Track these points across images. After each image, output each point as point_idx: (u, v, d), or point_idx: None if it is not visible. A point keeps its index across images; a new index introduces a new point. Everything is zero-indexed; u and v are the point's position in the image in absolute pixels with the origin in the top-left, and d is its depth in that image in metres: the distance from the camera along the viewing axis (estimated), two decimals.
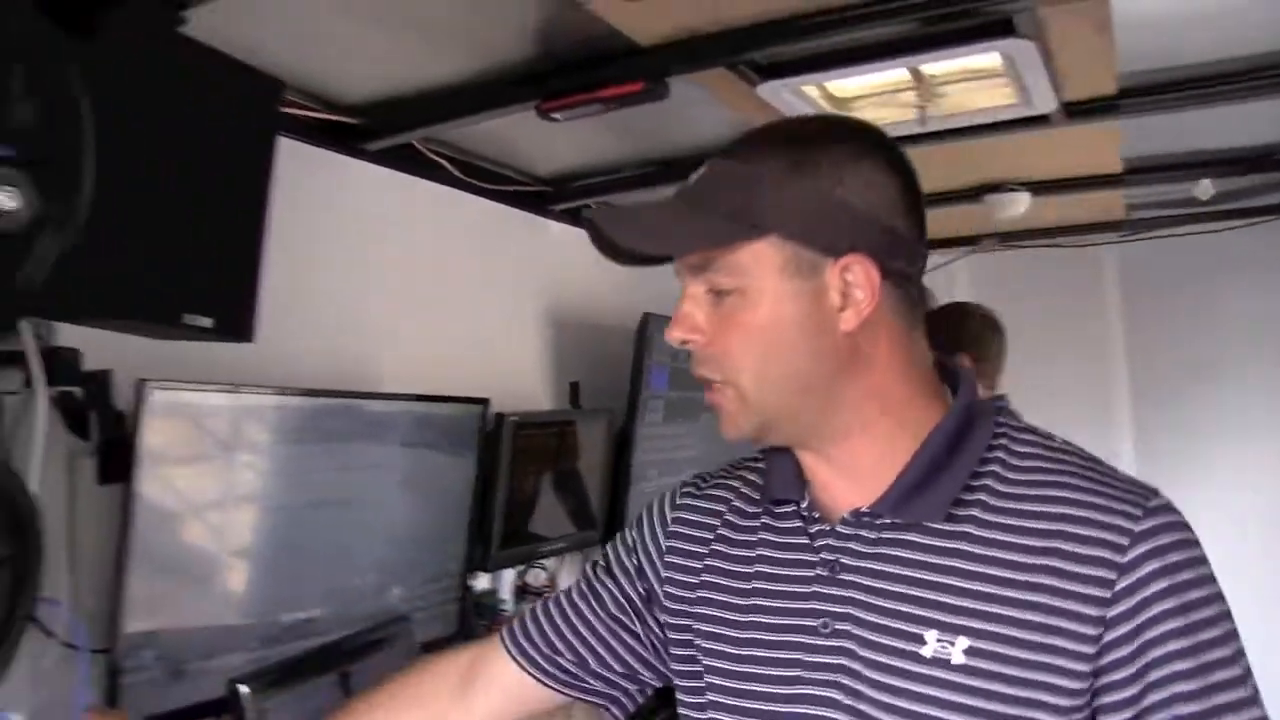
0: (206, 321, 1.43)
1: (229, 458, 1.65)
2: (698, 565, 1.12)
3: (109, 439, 1.59)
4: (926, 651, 0.94)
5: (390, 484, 2.01)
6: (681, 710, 1.13)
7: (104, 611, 1.54)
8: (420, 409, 2.07)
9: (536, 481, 2.46)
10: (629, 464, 2.76)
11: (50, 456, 1.56)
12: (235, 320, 1.47)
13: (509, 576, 2.57)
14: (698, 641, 1.09)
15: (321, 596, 1.85)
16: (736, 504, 1.12)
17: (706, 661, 1.08)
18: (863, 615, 0.97)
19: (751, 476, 1.14)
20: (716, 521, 1.13)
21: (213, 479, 1.64)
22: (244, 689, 1.51)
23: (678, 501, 1.17)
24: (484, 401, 2.24)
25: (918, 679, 0.93)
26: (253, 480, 1.70)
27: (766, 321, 0.97)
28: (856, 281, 0.97)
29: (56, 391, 1.56)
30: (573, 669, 1.19)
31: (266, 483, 1.73)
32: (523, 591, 2.61)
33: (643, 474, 2.80)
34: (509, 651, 1.22)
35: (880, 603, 0.97)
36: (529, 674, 1.20)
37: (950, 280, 3.90)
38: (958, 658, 0.92)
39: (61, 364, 1.51)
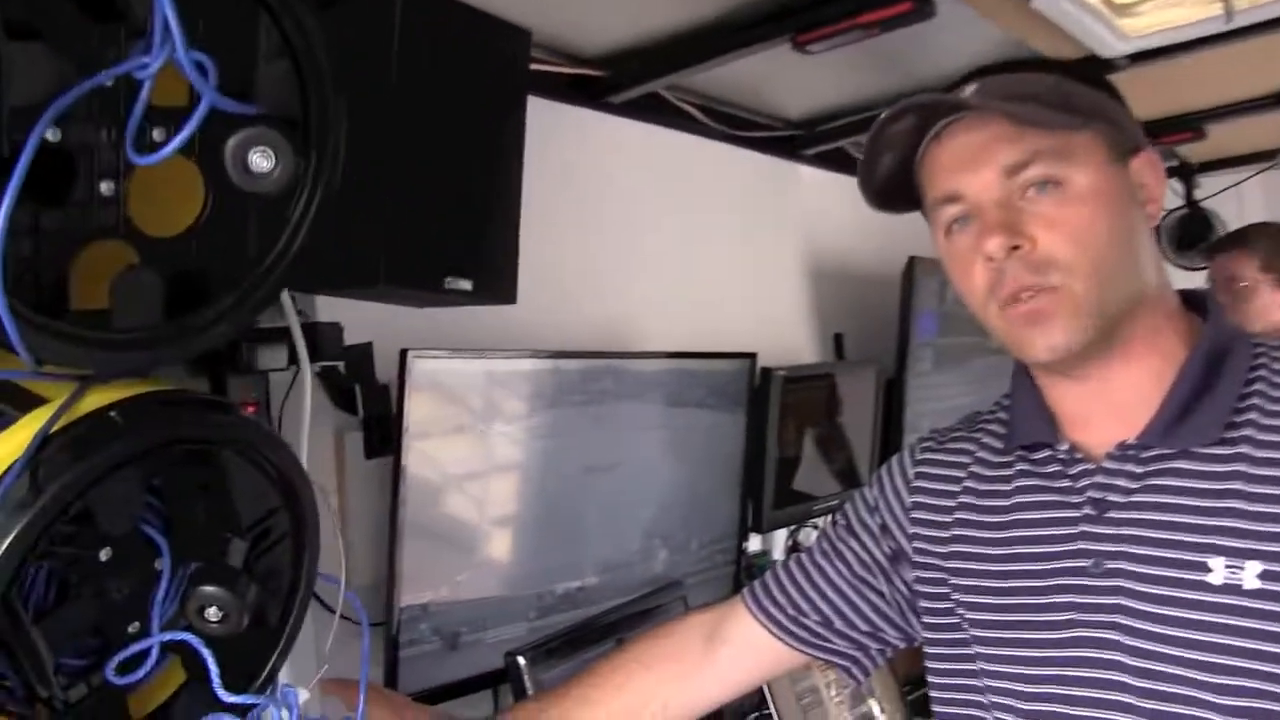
0: (467, 285, 1.33)
1: (494, 426, 1.56)
2: (946, 519, 1.09)
3: (374, 412, 1.52)
4: (1214, 579, 0.89)
5: (658, 445, 1.89)
6: (937, 667, 1.09)
7: (378, 586, 1.47)
8: (686, 366, 1.93)
9: (803, 438, 2.29)
10: (900, 415, 2.55)
11: (318, 433, 1.51)
12: (496, 282, 1.37)
13: (780, 538, 2.42)
14: (955, 595, 1.06)
15: (593, 564, 1.75)
16: (981, 454, 1.10)
17: (969, 615, 1.05)
18: (1137, 550, 0.94)
19: (992, 427, 1.11)
20: (962, 473, 1.10)
21: (480, 448, 1.55)
22: (521, 660, 1.42)
23: (919, 457, 1.16)
24: (752, 356, 2.08)
25: (1207, 608, 0.89)
26: (519, 448, 1.61)
27: (1094, 213, 0.93)
28: (1150, 177, 0.98)
29: (320, 367, 1.51)
30: (817, 629, 1.17)
31: (533, 450, 1.63)
32: (794, 552, 2.45)
33: (915, 425, 2.59)
34: (753, 612, 1.21)
35: (1156, 534, 0.93)
36: (774, 635, 1.19)
37: (1240, 202, 3.47)
38: (1250, 583, 0.87)
39: (324, 339, 1.45)
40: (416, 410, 1.44)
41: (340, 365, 1.52)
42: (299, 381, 1.29)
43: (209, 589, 0.93)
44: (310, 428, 1.50)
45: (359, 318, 1.45)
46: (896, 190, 1.03)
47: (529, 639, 1.53)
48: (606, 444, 1.75)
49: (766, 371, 2.11)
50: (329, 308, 1.46)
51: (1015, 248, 0.93)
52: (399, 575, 1.44)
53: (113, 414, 0.89)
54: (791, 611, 1.18)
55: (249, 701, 0.97)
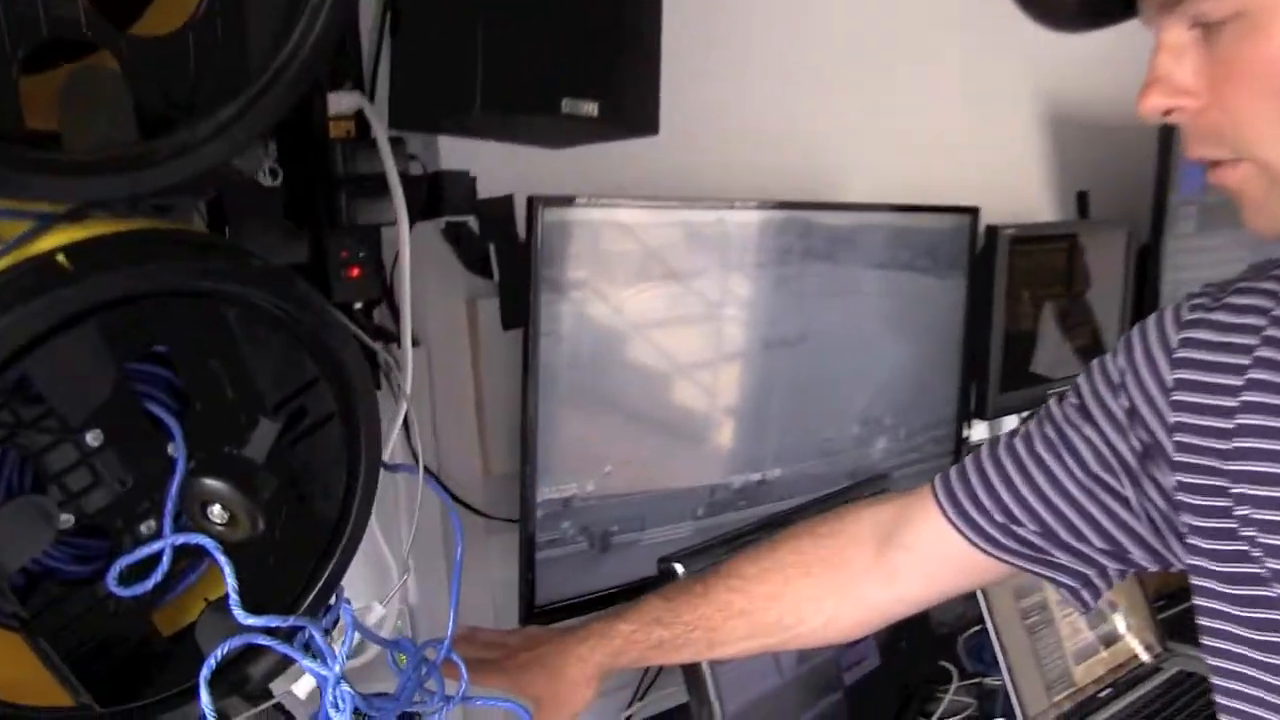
0: (592, 108, 1.03)
1: (650, 290, 1.27)
2: (1229, 403, 0.77)
3: (513, 277, 1.26)
4: None
5: (861, 315, 1.56)
6: (1213, 607, 0.78)
7: (514, 476, 1.22)
8: (894, 221, 1.58)
9: (1038, 310, 1.91)
10: (1156, 285, 2.12)
11: (446, 301, 1.26)
12: (631, 106, 1.07)
13: (1009, 425, 2.04)
14: (1242, 511, 0.75)
15: (779, 454, 1.46)
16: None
17: (1265, 539, 0.73)
18: None
19: None
20: (1252, 340, 0.77)
21: (632, 315, 1.26)
22: (679, 568, 1.15)
23: (1185, 318, 0.83)
24: (973, 211, 1.71)
25: None
26: (679, 317, 1.31)
27: None
28: None
29: (445, 222, 1.25)
30: (1034, 539, 0.89)
31: (697, 319, 1.34)
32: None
33: (1175, 297, 2.13)
34: (946, 511, 0.93)
35: None
36: (973, 543, 0.91)
37: None
38: None
39: (450, 189, 1.19)
40: (551, 270, 1.17)
41: (472, 221, 1.27)
42: (398, 238, 1.04)
43: (210, 483, 0.70)
44: (436, 295, 1.27)
45: (497, 169, 1.19)
46: None
47: (694, 541, 1.26)
48: (791, 313, 1.44)
49: (992, 230, 1.73)
50: (462, 154, 1.20)
51: (1171, 110, 0.74)
52: (535, 464, 1.19)
53: (59, 256, 0.65)
54: (1000, 517, 0.89)
55: (271, 624, 0.73)
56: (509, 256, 1.28)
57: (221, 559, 0.74)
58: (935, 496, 0.93)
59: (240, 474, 0.71)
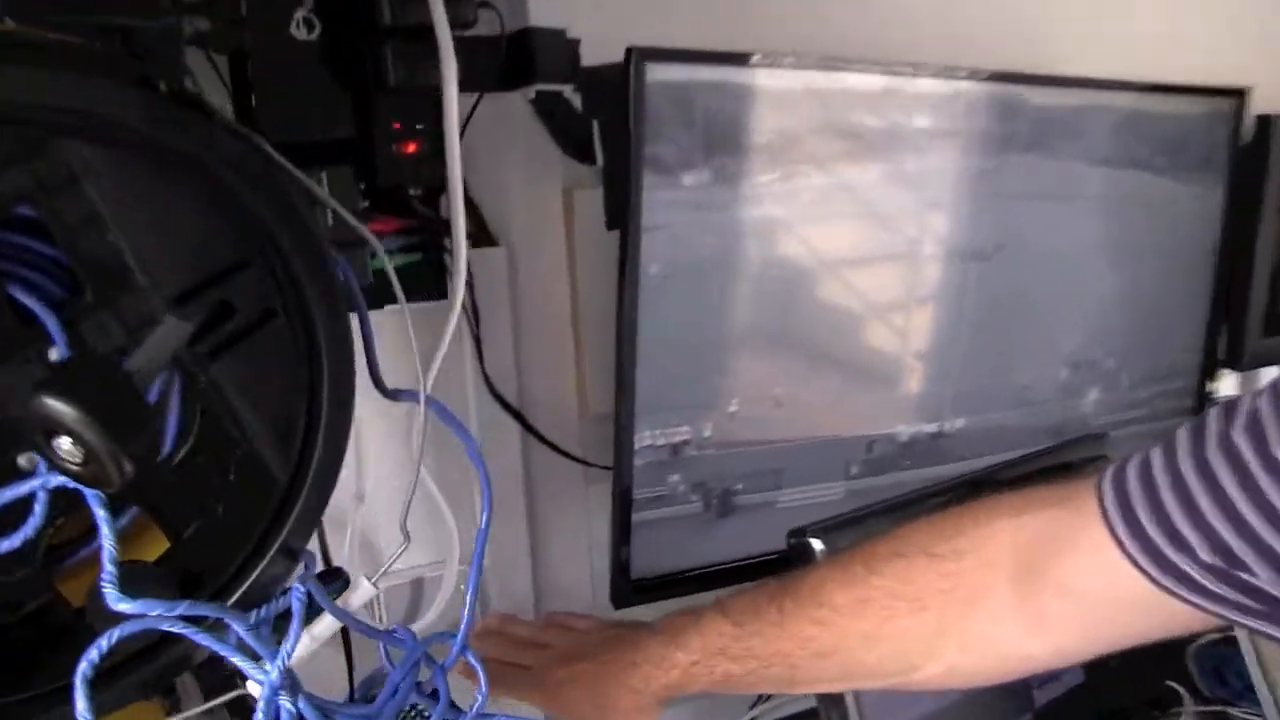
0: None
1: (802, 175, 0.99)
2: None
3: (618, 162, 1.00)
4: None
5: (1076, 226, 1.22)
6: None
7: (610, 416, 0.98)
8: (1128, 104, 1.22)
9: None
10: None
11: (536, 191, 1.02)
12: None
13: (1269, 377, 1.67)
14: None
15: (961, 399, 1.16)
16: None
17: None
18: None
19: None
20: None
21: (775, 210, 0.99)
22: (817, 544, 0.89)
23: None
24: (1239, 94, 1.34)
25: None
26: (840, 212, 1.03)
27: None
28: None
29: (535, 92, 1.01)
30: (1271, 588, 0.58)
31: (861, 216, 1.05)
32: None
33: None
34: (1127, 550, 0.63)
35: None
36: (1172, 593, 0.62)
37: None
38: None
39: (540, 51, 0.95)
40: (659, 147, 0.91)
41: (570, 92, 1.02)
42: (445, 105, 0.81)
43: (50, 404, 0.48)
44: (523, 183, 1.03)
45: (602, 29, 0.94)
46: None
47: (843, 506, 0.99)
48: (984, 218, 1.12)
49: (1265, 121, 1.36)
50: (556, 10, 0.96)
51: None
52: (634, 397, 0.94)
53: None
54: (1212, 557, 0.59)
55: (152, 612, 0.51)
56: (617, 139, 1.02)
57: (100, 511, 0.52)
58: (1105, 517, 0.64)
59: (97, 392, 0.48)
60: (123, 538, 0.62)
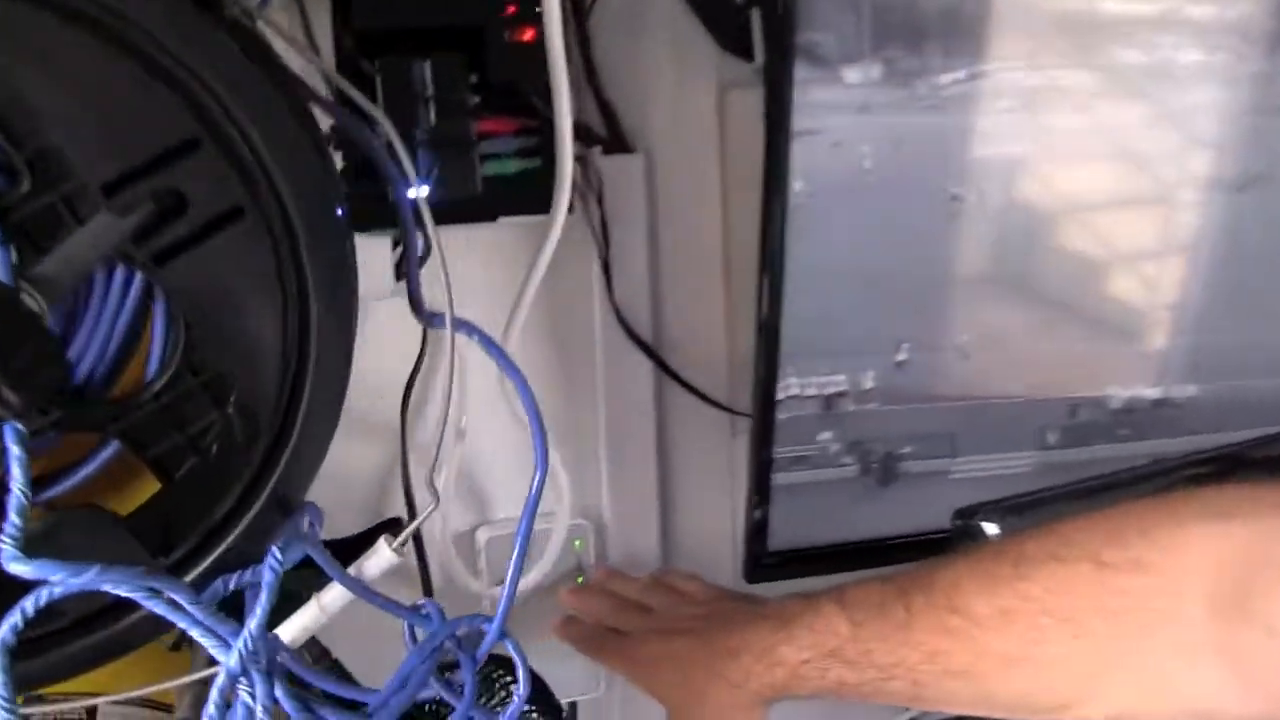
0: None
1: (1001, 70, 0.80)
2: None
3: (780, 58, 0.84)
4: None
5: None
6: None
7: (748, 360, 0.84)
8: None
9: None
10: None
11: (680, 89, 0.87)
12: None
13: None
14: None
15: (1196, 362, 0.93)
16: None
17: None
18: None
19: None
20: None
21: (963, 111, 0.81)
22: (992, 530, 0.73)
23: None
24: None
25: None
26: (1049, 124, 0.83)
27: None
28: None
29: None
30: None
31: (1082, 132, 0.84)
32: None
33: None
34: None
35: None
36: None
37: None
38: None
39: None
40: (815, 33, 0.75)
41: None
42: None
43: None
44: (666, 81, 0.88)
45: None
46: None
47: (1033, 483, 0.82)
48: (1244, 139, 0.89)
49: None
50: None
51: None
52: (778, 336, 0.80)
53: None
54: None
55: (54, 574, 0.41)
56: (782, 27, 0.86)
57: (12, 449, 0.43)
58: None
59: None
60: (113, 479, 0.54)
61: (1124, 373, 0.90)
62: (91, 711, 0.61)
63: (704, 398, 0.90)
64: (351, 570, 0.54)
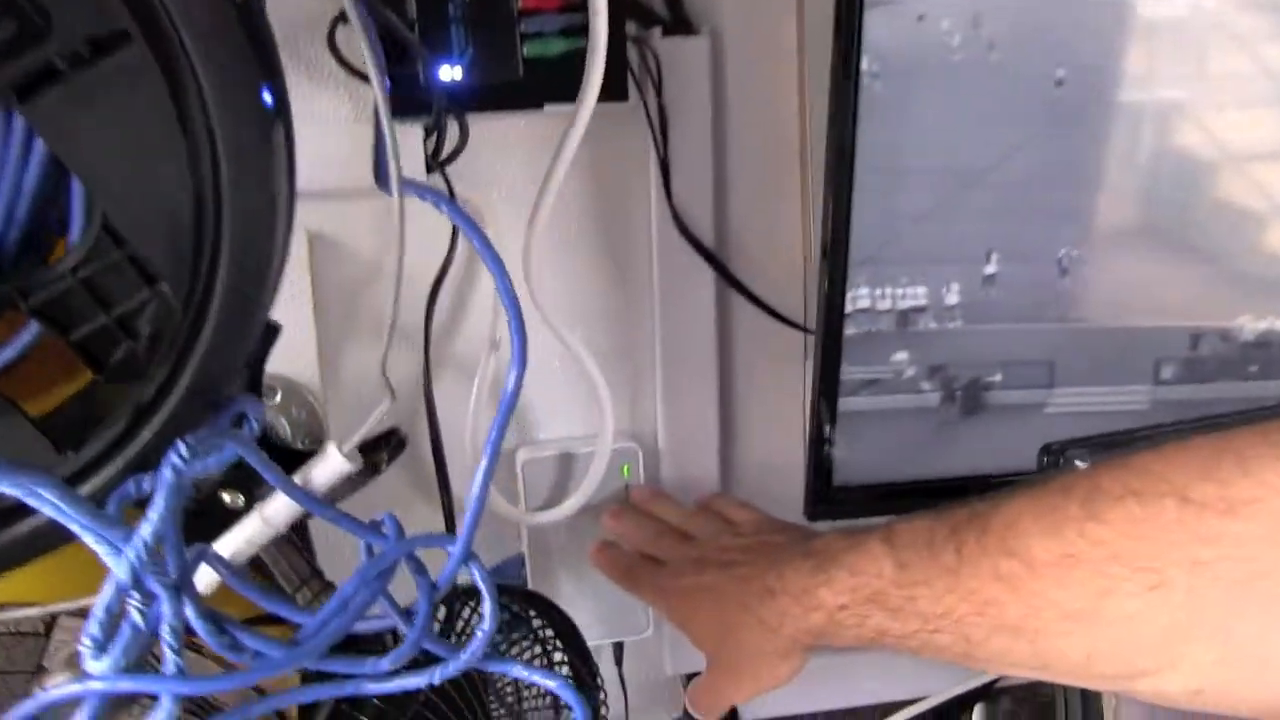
0: None
1: None
2: None
3: None
4: None
5: None
6: None
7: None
8: None
9: None
10: None
11: None
12: None
13: None
14: None
15: None
16: None
17: None
18: None
19: None
20: None
21: None
22: (1080, 464, 0.63)
23: None
24: None
25: None
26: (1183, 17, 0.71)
27: None
28: None
29: None
30: None
31: (1215, 23, 0.72)
32: None
33: None
34: None
35: None
36: None
37: None
38: None
39: None
40: None
41: None
42: None
43: None
44: None
45: None
46: None
47: (1144, 421, 0.71)
48: None
49: None
50: None
51: None
52: (847, 239, 0.70)
53: None
54: None
55: None
56: None
57: None
58: None
59: None
60: (47, 370, 0.48)
61: (1259, 301, 0.77)
62: (49, 623, 0.57)
63: (773, 313, 0.82)
64: (297, 478, 0.48)
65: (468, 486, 0.79)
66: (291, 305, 0.73)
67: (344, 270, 0.76)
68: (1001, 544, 0.49)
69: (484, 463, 0.46)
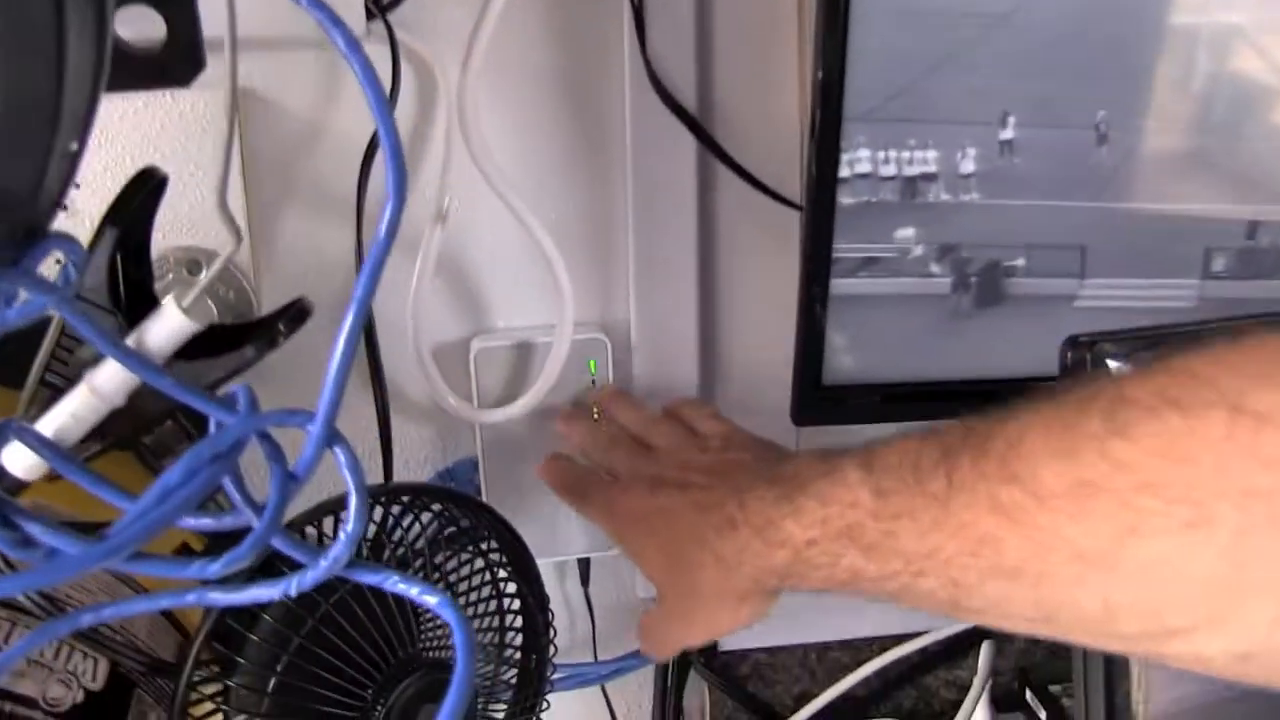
0: None
1: None
2: None
3: None
4: None
5: None
6: None
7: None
8: None
9: None
10: None
11: None
12: None
13: None
14: None
15: None
16: None
17: None
18: None
19: None
20: None
21: None
22: (1116, 366, 0.53)
23: None
24: None
25: None
26: None
27: None
28: None
29: None
30: None
31: None
32: None
33: None
34: None
35: None
36: None
37: None
38: None
39: None
40: None
41: None
42: None
43: None
44: None
45: None
46: None
47: (1188, 316, 0.61)
48: None
49: None
50: None
51: None
52: (845, 94, 0.60)
53: None
54: None
55: None
56: None
57: None
58: None
59: None
60: None
61: None
62: None
63: (762, 187, 0.72)
64: (130, 340, 0.39)
65: (410, 378, 0.71)
66: (215, 170, 0.64)
67: (278, 132, 0.67)
68: (1002, 468, 0.40)
69: (349, 320, 0.37)
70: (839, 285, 0.64)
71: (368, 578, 0.40)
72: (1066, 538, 0.37)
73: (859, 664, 0.85)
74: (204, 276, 0.46)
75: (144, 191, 0.47)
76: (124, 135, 0.63)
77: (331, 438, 0.37)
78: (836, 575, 0.47)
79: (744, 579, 0.52)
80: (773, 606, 0.55)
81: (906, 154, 0.62)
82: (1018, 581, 0.40)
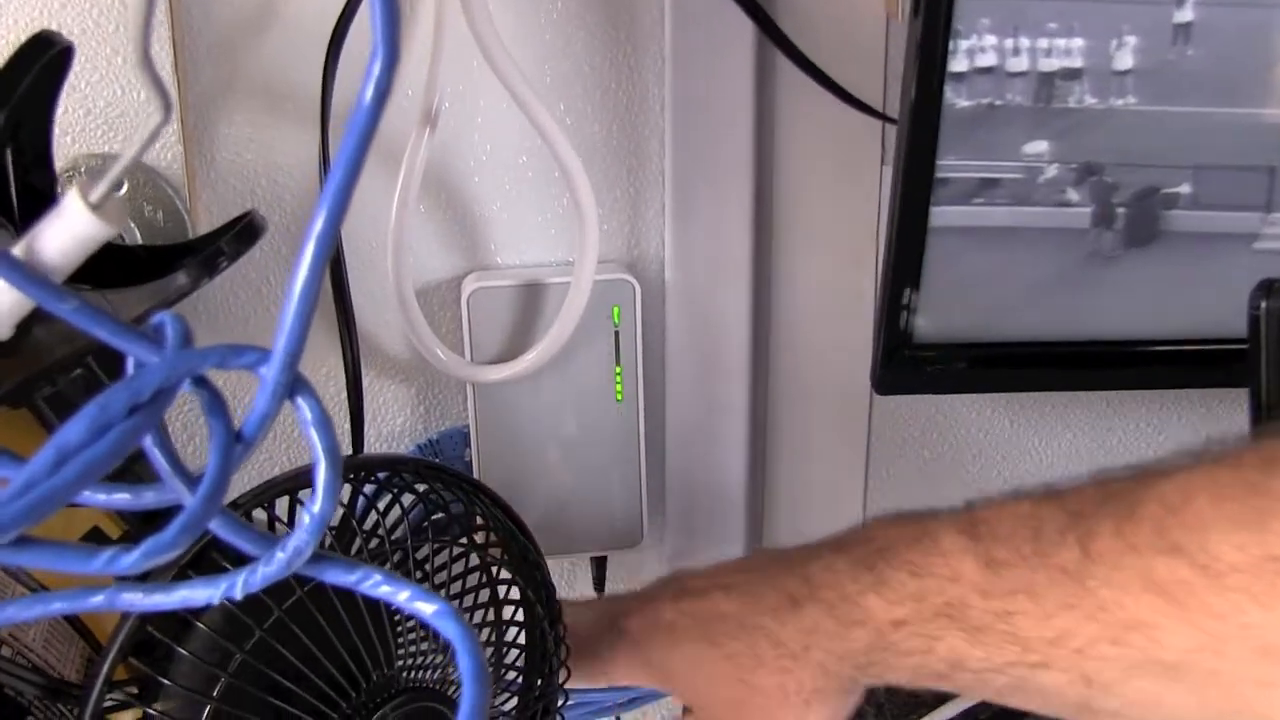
0: None
1: None
2: None
3: None
4: None
5: None
6: None
7: None
8: None
9: None
10: None
11: None
12: None
13: None
14: None
15: None
16: None
17: None
18: None
19: None
20: None
21: None
22: None
23: None
24: None
25: None
26: None
27: None
28: None
29: None
30: None
31: None
32: None
33: None
34: None
35: None
36: None
37: None
38: None
39: None
40: None
41: None
42: None
43: None
44: None
45: None
46: None
47: None
48: None
49: None
50: None
51: None
52: None
53: None
54: None
55: None
56: None
57: None
58: None
59: None
60: None
61: None
62: None
63: (837, 89, 0.65)
64: (18, 249, 0.32)
65: (386, 326, 0.66)
66: (136, 51, 0.58)
67: (218, 16, 0.62)
68: (1160, 537, 0.38)
69: (309, 246, 0.30)
70: (942, 214, 0.58)
71: (339, 576, 0.34)
72: (1250, 626, 0.35)
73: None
74: (121, 161, 0.39)
75: (39, 64, 0.42)
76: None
77: (293, 385, 0.30)
78: (930, 664, 0.45)
79: (810, 672, 0.49)
80: (851, 710, 0.52)
81: (1044, 41, 0.55)
82: (1179, 680, 0.38)
